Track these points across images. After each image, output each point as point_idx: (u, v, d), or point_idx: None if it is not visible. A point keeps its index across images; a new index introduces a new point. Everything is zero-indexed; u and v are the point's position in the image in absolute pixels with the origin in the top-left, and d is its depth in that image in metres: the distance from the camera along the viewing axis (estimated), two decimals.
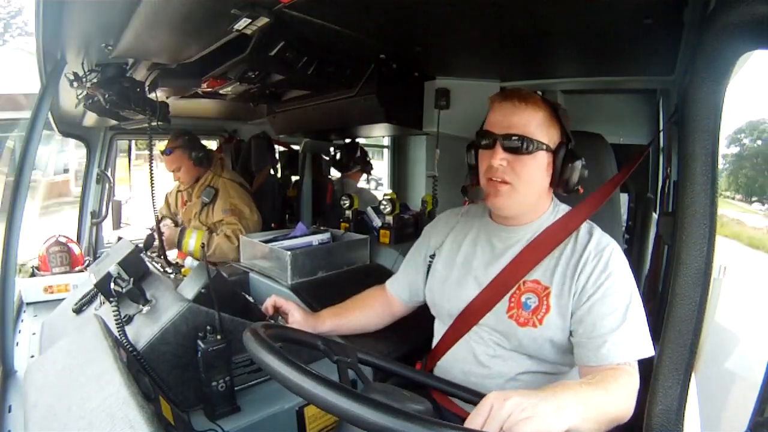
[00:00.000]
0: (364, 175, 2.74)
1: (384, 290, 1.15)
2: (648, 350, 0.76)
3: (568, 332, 0.83)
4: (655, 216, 1.41)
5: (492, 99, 0.91)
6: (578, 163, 0.88)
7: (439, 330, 1.00)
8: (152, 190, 1.59)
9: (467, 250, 0.98)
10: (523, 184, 0.86)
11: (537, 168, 0.86)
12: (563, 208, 0.94)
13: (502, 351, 0.88)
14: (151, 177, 1.55)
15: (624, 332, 0.77)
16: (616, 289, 0.80)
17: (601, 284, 0.81)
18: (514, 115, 0.85)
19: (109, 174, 2.23)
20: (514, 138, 0.84)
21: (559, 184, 0.90)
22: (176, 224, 2.05)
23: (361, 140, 2.76)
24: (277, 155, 2.56)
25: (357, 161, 2.56)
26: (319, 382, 0.47)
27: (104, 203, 2.22)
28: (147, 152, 1.54)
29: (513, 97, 0.87)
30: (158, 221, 1.61)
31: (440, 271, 1.00)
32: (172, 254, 2.10)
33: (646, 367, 0.72)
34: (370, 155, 2.78)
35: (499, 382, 0.87)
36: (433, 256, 1.04)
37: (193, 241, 1.83)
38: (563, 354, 0.85)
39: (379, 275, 1.44)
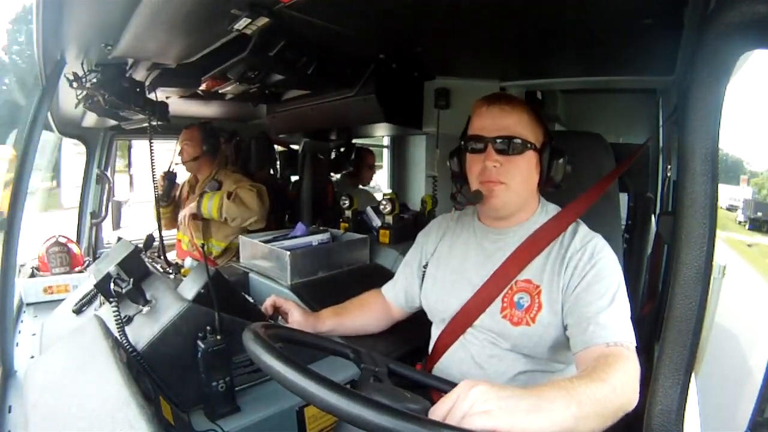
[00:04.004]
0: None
1: (382, 294, 1.15)
2: (633, 339, 0.75)
3: (562, 328, 0.83)
4: (654, 216, 1.41)
5: (477, 105, 0.92)
6: (563, 160, 0.91)
7: (436, 332, 1.01)
8: (154, 190, 1.59)
9: (459, 254, 0.99)
10: (516, 183, 0.88)
11: (527, 167, 0.89)
12: (552, 208, 0.96)
13: (498, 351, 0.89)
14: (153, 177, 1.55)
15: (610, 314, 0.76)
16: (602, 278, 0.81)
17: (586, 274, 0.82)
18: (503, 118, 0.88)
19: (108, 174, 2.23)
20: (505, 139, 0.87)
21: (547, 182, 0.92)
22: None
23: (364, 140, 2.76)
24: (277, 155, 2.56)
25: (352, 163, 2.56)
26: (318, 382, 0.47)
27: (104, 203, 2.22)
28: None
29: (499, 101, 0.90)
30: (159, 221, 1.61)
31: (434, 277, 1.01)
32: (172, 254, 2.11)
33: (646, 366, 0.72)
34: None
35: (498, 382, 0.87)
36: (426, 266, 1.05)
37: (211, 202, 1.86)
38: (559, 351, 0.85)
39: (379, 275, 1.44)
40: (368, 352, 0.74)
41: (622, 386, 0.64)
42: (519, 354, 0.88)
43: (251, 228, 1.90)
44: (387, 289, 1.15)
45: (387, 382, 0.69)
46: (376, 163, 2.87)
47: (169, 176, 2.04)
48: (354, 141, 2.58)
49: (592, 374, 0.64)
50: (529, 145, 0.88)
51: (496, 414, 0.48)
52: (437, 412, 0.51)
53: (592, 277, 0.81)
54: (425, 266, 1.05)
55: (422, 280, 1.05)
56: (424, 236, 1.11)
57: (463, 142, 0.94)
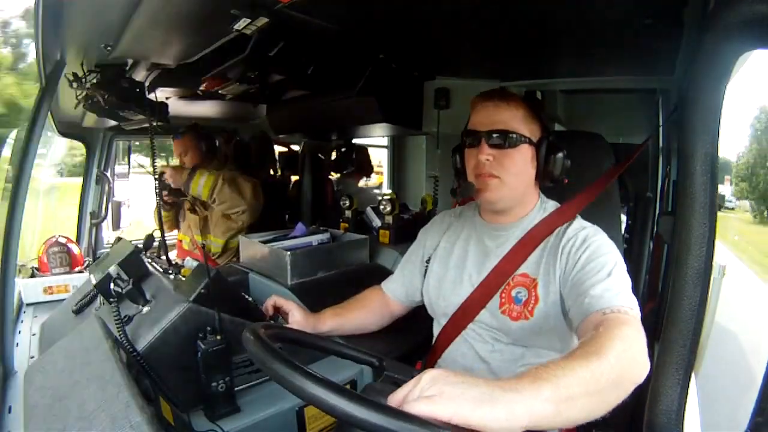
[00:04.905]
0: (364, 178, 2.74)
1: (381, 290, 1.15)
2: (636, 307, 0.69)
3: (561, 317, 0.83)
4: (654, 216, 1.41)
5: (474, 101, 0.94)
6: (560, 154, 0.91)
7: (437, 329, 1.02)
8: (155, 189, 1.59)
9: (460, 250, 1.00)
10: (510, 177, 0.89)
11: (522, 160, 0.89)
12: (551, 205, 0.96)
13: (501, 346, 0.90)
14: (154, 177, 1.55)
15: (605, 286, 0.72)
16: (596, 257, 0.80)
17: (580, 257, 0.82)
18: (496, 113, 0.89)
19: (108, 174, 2.23)
20: (498, 133, 0.88)
21: (545, 176, 0.93)
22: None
23: (363, 141, 2.76)
24: (277, 155, 2.56)
25: (356, 162, 2.56)
26: (318, 383, 0.47)
27: (104, 204, 2.22)
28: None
29: (494, 96, 0.91)
30: (160, 220, 1.61)
31: (436, 272, 1.02)
32: (172, 254, 2.11)
33: None
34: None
35: (503, 376, 0.88)
36: (428, 261, 1.05)
37: (203, 179, 1.84)
38: (562, 341, 0.85)
39: (379, 275, 1.43)
40: (396, 362, 0.72)
41: (618, 356, 0.55)
42: (521, 347, 0.88)
43: (238, 221, 1.90)
44: (387, 284, 1.15)
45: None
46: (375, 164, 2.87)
47: (175, 192, 2.01)
48: (354, 141, 2.59)
49: (576, 351, 0.56)
50: (522, 139, 0.88)
51: (437, 400, 0.45)
52: (394, 398, 0.49)
53: (585, 258, 0.81)
54: (428, 261, 1.06)
55: (424, 276, 1.06)
56: (425, 232, 1.12)
57: (461, 138, 0.96)
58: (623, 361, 0.55)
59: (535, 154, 0.91)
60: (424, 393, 0.46)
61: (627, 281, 0.76)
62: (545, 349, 0.87)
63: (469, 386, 0.46)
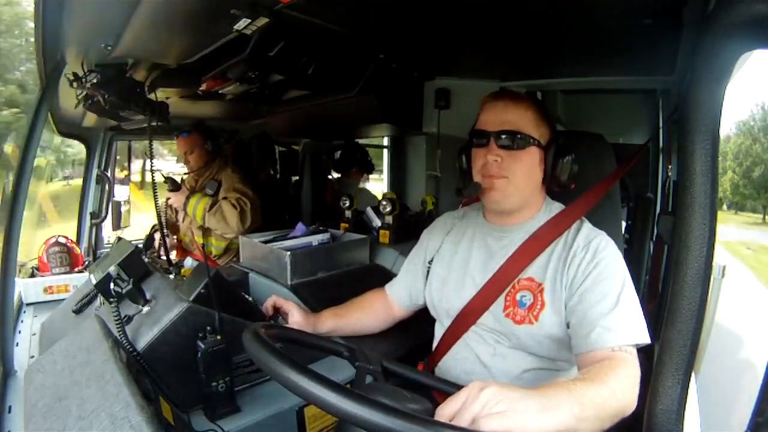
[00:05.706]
0: (365, 175, 2.73)
1: (384, 293, 1.15)
2: (644, 337, 0.74)
3: (565, 325, 0.83)
4: (654, 216, 1.42)
5: (484, 100, 0.93)
6: (569, 158, 0.91)
7: (439, 331, 1.01)
8: (154, 190, 1.59)
9: (464, 251, 0.99)
10: (517, 178, 0.88)
11: (530, 162, 0.89)
12: (557, 207, 0.95)
13: (503, 349, 0.89)
14: (153, 177, 1.54)
15: (614, 317, 0.75)
16: (605, 277, 0.80)
17: (590, 273, 0.81)
18: (506, 113, 0.88)
19: (108, 174, 2.23)
20: (507, 134, 0.87)
21: (552, 180, 0.92)
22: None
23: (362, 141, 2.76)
24: (277, 155, 2.56)
25: (356, 162, 2.56)
26: (319, 382, 0.47)
27: (104, 204, 2.22)
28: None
29: (504, 97, 0.91)
30: (161, 220, 1.61)
31: (439, 274, 1.01)
32: (172, 254, 2.11)
33: (646, 366, 0.72)
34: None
35: (503, 381, 0.87)
36: (431, 262, 1.05)
37: (197, 206, 1.88)
38: (564, 349, 0.85)
39: (378, 275, 1.44)
40: (362, 350, 0.74)
41: (622, 391, 0.63)
42: (523, 352, 0.87)
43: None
44: (390, 287, 1.14)
45: (382, 380, 0.69)
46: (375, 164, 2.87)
47: (173, 185, 2.02)
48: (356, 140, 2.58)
49: (594, 377, 0.64)
50: (531, 141, 0.88)
51: (510, 415, 0.48)
52: (444, 413, 0.50)
53: (596, 276, 0.80)
54: (430, 262, 1.05)
55: (426, 278, 1.05)
56: (428, 233, 1.11)
57: (469, 137, 0.95)
58: (625, 396, 0.64)
59: (543, 157, 0.90)
60: (491, 409, 0.49)
61: (635, 306, 0.77)
62: (547, 357, 0.86)
63: (525, 398, 0.51)
